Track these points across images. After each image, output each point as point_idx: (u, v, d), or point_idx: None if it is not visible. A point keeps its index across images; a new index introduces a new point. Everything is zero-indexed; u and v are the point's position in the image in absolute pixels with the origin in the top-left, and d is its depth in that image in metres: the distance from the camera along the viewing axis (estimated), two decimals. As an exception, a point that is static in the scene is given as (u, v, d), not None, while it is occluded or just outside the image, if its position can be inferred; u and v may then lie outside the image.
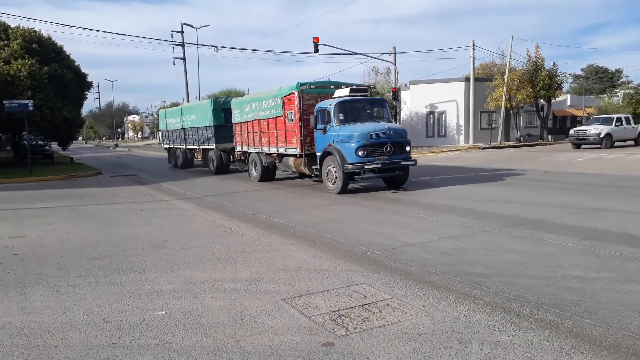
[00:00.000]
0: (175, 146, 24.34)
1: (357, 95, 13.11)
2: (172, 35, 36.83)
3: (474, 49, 33.25)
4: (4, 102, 19.45)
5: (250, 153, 16.66)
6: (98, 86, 69.59)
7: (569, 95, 46.26)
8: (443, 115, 35.99)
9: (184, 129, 22.76)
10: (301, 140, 13.35)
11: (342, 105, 12.54)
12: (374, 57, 32.34)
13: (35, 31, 25.16)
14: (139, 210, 10.86)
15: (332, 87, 14.10)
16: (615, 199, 9.95)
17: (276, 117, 14.44)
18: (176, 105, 43.41)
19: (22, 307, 4.72)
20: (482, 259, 5.83)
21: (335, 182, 12.21)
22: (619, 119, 27.70)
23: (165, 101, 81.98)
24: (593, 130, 26.68)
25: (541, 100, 36.09)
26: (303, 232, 7.78)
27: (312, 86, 13.85)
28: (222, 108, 19.41)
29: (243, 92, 47.88)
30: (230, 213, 9.99)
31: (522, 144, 33.62)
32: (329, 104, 12.64)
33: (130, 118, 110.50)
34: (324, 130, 12.53)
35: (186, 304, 4.63)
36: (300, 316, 4.24)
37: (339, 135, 12.14)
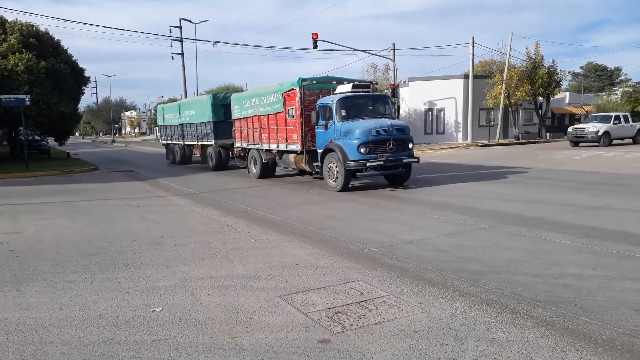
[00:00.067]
0: (174, 142, 24.18)
1: (360, 92, 12.96)
2: (170, 30, 36.76)
3: (473, 46, 33.24)
4: (1, 96, 19.34)
5: (249, 149, 16.54)
6: (95, 81, 69.64)
7: (567, 93, 46.35)
8: (442, 112, 35.97)
9: (182, 124, 22.59)
10: (302, 136, 13.23)
11: (345, 102, 12.40)
12: (373, 54, 32.29)
13: (32, 25, 25.02)
14: (135, 206, 10.84)
15: (334, 82, 13.93)
16: (613, 196, 9.96)
17: (277, 113, 14.31)
18: (174, 100, 43.32)
19: (18, 303, 4.70)
20: (479, 256, 5.83)
21: (336, 180, 12.08)
22: (617, 117, 27.74)
23: (163, 97, 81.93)
24: (591, 128, 26.72)
25: (540, 98, 36.11)
26: (300, 228, 7.77)
27: (313, 82, 13.67)
28: (221, 104, 19.26)
29: (241, 88, 47.80)
30: (227, 209, 9.98)
31: (521, 141, 33.64)
32: (331, 100, 12.50)
33: (127, 113, 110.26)
34: (326, 127, 12.40)
35: (182, 301, 4.63)
36: (297, 313, 4.23)
37: (341, 132, 12.01)
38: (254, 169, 16.27)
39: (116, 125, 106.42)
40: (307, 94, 13.30)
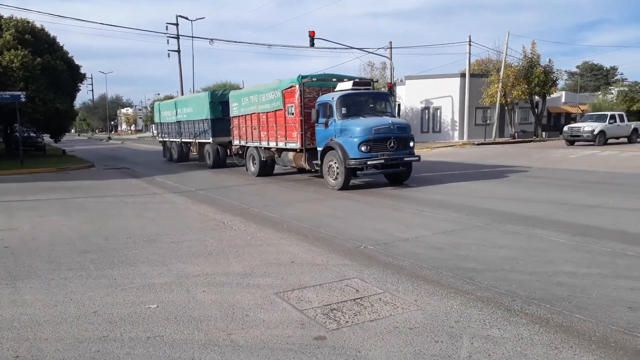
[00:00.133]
0: (171, 139, 24.02)
1: (360, 89, 12.84)
2: (167, 27, 36.62)
3: (470, 45, 33.25)
4: (-4, 93, 19.26)
5: (248, 147, 16.39)
6: (91, 78, 69.31)
7: (563, 92, 46.47)
8: (438, 110, 36.01)
9: (179, 122, 22.43)
10: (302, 134, 13.05)
11: (345, 99, 12.26)
12: (370, 52, 32.28)
13: (28, 22, 24.92)
14: (131, 203, 10.81)
15: (334, 80, 13.76)
16: (608, 195, 10.01)
17: (276, 111, 14.15)
18: (170, 98, 43.21)
19: (13, 300, 4.69)
20: (475, 254, 5.85)
21: (336, 178, 11.95)
22: (612, 117, 27.86)
23: (159, 94, 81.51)
24: (587, 127, 26.82)
25: (536, 97, 36.20)
26: (296, 226, 7.78)
27: (313, 79, 13.53)
28: (219, 101, 19.10)
29: (238, 86, 47.71)
30: (223, 207, 9.97)
31: (517, 140, 33.72)
32: (332, 97, 12.36)
33: (123, 111, 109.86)
34: (326, 125, 12.24)
35: (178, 298, 4.62)
36: (292, 310, 4.24)
37: (342, 130, 11.89)
38: (253, 167, 16.16)
39: (112, 123, 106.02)
40: (306, 92, 13.13)
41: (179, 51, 37.83)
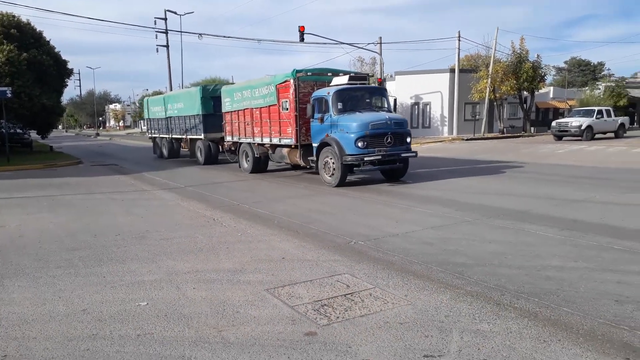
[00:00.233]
0: (161, 135, 23.66)
1: (357, 84, 12.60)
2: (155, 22, 36.33)
3: (459, 41, 33.39)
4: (-19, 89, 18.98)
5: (241, 143, 16.12)
6: (79, 73, 68.62)
7: (551, 88, 46.85)
8: (428, 106, 36.15)
9: (170, 117, 22.09)
10: (296, 130, 12.83)
11: (341, 94, 12.05)
12: (359, 47, 32.39)
13: (14, 16, 24.55)
14: (120, 200, 10.73)
15: (329, 74, 13.54)
16: (595, 190, 10.13)
17: (270, 106, 13.90)
18: (159, 93, 42.88)
19: (0, 299, 4.63)
20: (464, 249, 5.89)
21: (332, 175, 11.76)
22: (599, 112, 28.16)
23: (147, 89, 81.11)
24: (574, 122, 27.09)
25: (524, 92, 36.48)
26: (287, 222, 7.77)
27: (308, 73, 13.24)
28: (211, 96, 18.81)
29: (227, 81, 47.46)
30: (213, 203, 9.93)
31: (505, 135, 33.97)
32: (327, 92, 12.13)
33: (111, 106, 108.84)
34: (322, 120, 12.01)
35: (168, 295, 4.60)
36: (283, 306, 4.24)
37: (338, 125, 11.68)
38: (246, 164, 15.89)
39: (100, 119, 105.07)
40: (301, 86, 12.88)
41: (167, 46, 37.56)
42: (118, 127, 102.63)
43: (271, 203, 9.80)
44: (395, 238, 6.51)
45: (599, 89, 42.89)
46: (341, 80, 12.64)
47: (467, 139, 30.44)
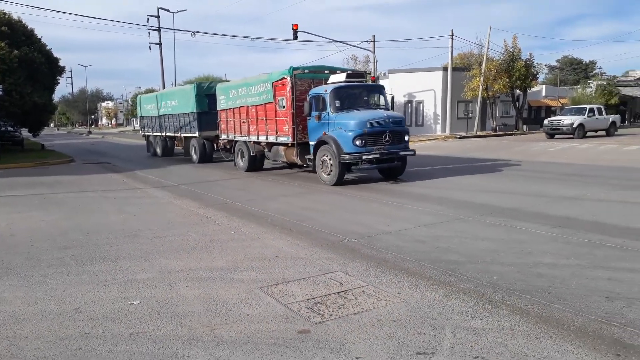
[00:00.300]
0: (155, 134, 23.42)
1: (354, 81, 12.46)
2: (148, 19, 36.09)
3: (452, 39, 33.47)
4: (-29, 86, 18.80)
5: (236, 142, 15.97)
6: (71, 71, 68.10)
7: (544, 86, 47.06)
8: (421, 104, 36.22)
9: (164, 115, 21.86)
10: (293, 128, 12.68)
11: (339, 92, 11.92)
12: (353, 45, 32.31)
13: (5, 13, 24.30)
14: (112, 198, 10.68)
15: (326, 72, 13.38)
16: (586, 187, 10.20)
17: (266, 104, 13.75)
18: (152, 91, 42.67)
19: (-9, 298, 4.60)
20: (457, 246, 5.92)
21: (330, 173, 11.62)
22: (591, 110, 28.33)
23: (140, 87, 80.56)
24: (566, 120, 27.24)
25: (517, 91, 36.63)
26: (280, 220, 7.76)
27: (305, 71, 13.11)
28: (205, 94, 18.59)
29: (221, 79, 47.25)
30: (206, 201, 9.90)
31: (498, 133, 34.11)
32: (325, 89, 12.01)
33: (104, 104, 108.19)
34: (319, 118, 11.91)
35: (161, 293, 4.59)
36: (277, 304, 4.24)
37: (335, 124, 11.56)
38: (241, 162, 15.72)
39: (92, 117, 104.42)
40: (298, 84, 12.72)
41: (160, 44, 37.35)
42: (110, 125, 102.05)
43: (265, 201, 9.78)
44: (389, 236, 6.52)
45: (591, 87, 43.10)
46: (338, 78, 12.52)
47: (460, 137, 30.54)
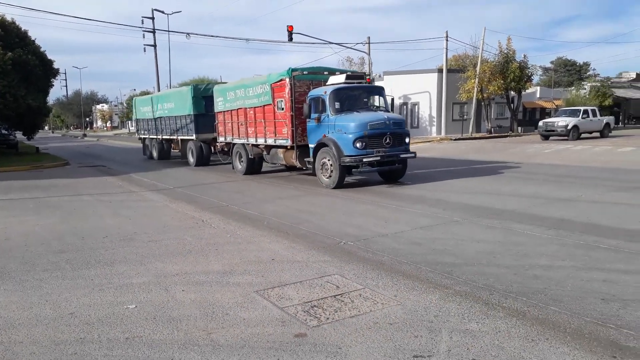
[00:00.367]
0: (151, 136, 23.22)
1: (354, 83, 12.32)
2: (142, 21, 36.01)
3: (447, 41, 33.60)
4: (-35, 89, 18.68)
5: (234, 144, 15.74)
6: (65, 73, 67.75)
7: (538, 88, 47.30)
8: (416, 106, 36.32)
9: (160, 118, 21.66)
10: (292, 130, 12.49)
11: (338, 93, 11.79)
12: (348, 47, 32.38)
13: (-2, 15, 24.19)
14: (107, 201, 10.64)
15: (325, 73, 13.23)
16: (581, 189, 10.24)
17: (264, 106, 13.57)
18: (147, 93, 42.53)
19: (-15, 303, 4.57)
20: (453, 249, 5.93)
21: (330, 176, 11.45)
22: (585, 112, 28.48)
23: (135, 89, 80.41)
24: (561, 122, 27.37)
25: (512, 92, 36.79)
26: (277, 223, 7.75)
27: (304, 72, 12.94)
28: (202, 96, 18.44)
29: (216, 80, 47.21)
30: (202, 205, 9.88)
31: (493, 135, 34.23)
32: (324, 91, 11.83)
33: (99, 107, 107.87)
34: (318, 120, 11.76)
35: (157, 297, 4.57)
36: (273, 308, 4.23)
37: (335, 126, 11.40)
38: (239, 165, 15.51)
39: (87, 119, 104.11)
40: (297, 85, 12.54)
41: (155, 45, 37.28)
42: (105, 128, 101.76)
43: (261, 204, 9.77)
44: (385, 238, 6.53)
45: (585, 89, 43.37)
46: (338, 80, 12.39)
47: (455, 139, 30.62)
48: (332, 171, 11.43)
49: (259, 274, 5.16)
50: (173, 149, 21.89)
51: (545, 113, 43.19)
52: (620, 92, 45.60)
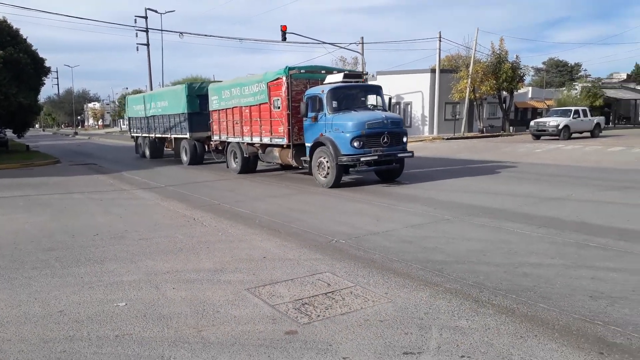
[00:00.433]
0: (144, 135, 23.01)
1: (351, 82, 12.24)
2: (135, 20, 35.93)
3: (440, 41, 33.69)
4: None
5: (229, 143, 15.63)
6: (57, 72, 67.28)
7: (530, 88, 47.56)
8: (409, 106, 36.40)
9: (154, 116, 21.45)
10: (289, 129, 12.39)
11: (336, 92, 11.70)
12: (342, 47, 32.44)
13: (-12, 13, 23.99)
14: (98, 199, 10.57)
15: (323, 72, 13.12)
16: (572, 188, 10.32)
17: (260, 104, 13.47)
18: (139, 92, 42.32)
19: (-27, 301, 4.53)
20: (443, 247, 5.95)
21: (327, 176, 11.39)
22: (576, 112, 28.70)
23: (127, 88, 79.94)
24: (552, 122, 27.55)
25: (504, 92, 36.98)
26: (268, 221, 7.75)
27: (301, 71, 12.83)
28: (196, 94, 18.27)
29: (209, 80, 47.08)
30: (193, 203, 9.85)
31: (485, 135, 34.39)
32: (321, 90, 11.74)
33: (90, 105, 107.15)
34: (315, 119, 11.66)
35: (147, 295, 4.55)
36: (264, 305, 4.23)
37: (332, 125, 11.31)
38: (234, 164, 15.39)
39: (79, 118, 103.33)
40: (294, 84, 12.41)
41: (148, 45, 37.12)
42: (97, 126, 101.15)
43: (253, 202, 9.76)
44: (376, 236, 6.54)
45: (576, 89, 43.69)
46: (335, 78, 12.29)
47: (447, 139, 30.73)
48: (329, 170, 11.37)
49: (250, 272, 5.15)
50: (166, 147, 21.73)
51: (536, 113, 43.43)
52: (610, 93, 45.97)
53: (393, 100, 36.31)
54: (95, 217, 8.51)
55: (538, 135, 28.25)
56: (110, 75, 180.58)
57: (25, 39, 25.80)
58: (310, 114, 11.83)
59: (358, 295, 4.41)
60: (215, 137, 16.65)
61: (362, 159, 10.93)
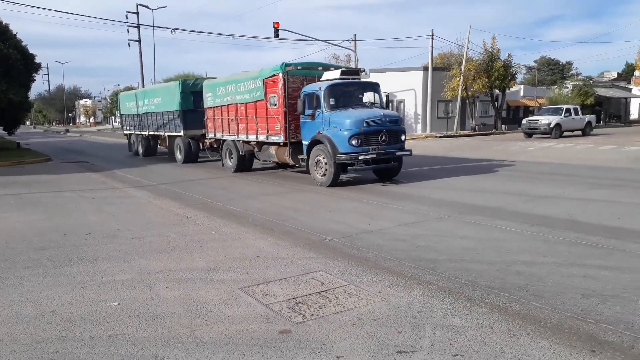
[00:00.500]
0: (137, 132, 22.75)
1: (349, 79, 12.07)
2: (127, 16, 35.66)
3: (432, 39, 33.76)
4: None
5: (224, 141, 15.45)
6: (47, 68, 66.56)
7: (522, 86, 47.78)
8: (401, 104, 36.46)
9: (147, 113, 21.19)
10: (285, 127, 12.23)
11: (333, 89, 11.55)
12: (334, 44, 32.38)
13: (-23, 9, 23.69)
14: (90, 198, 10.51)
15: (320, 69, 12.98)
16: (563, 186, 10.39)
17: (256, 101, 13.26)
18: (131, 89, 42.06)
19: (-36, 301, 4.49)
20: (436, 245, 5.98)
21: (324, 174, 11.25)
22: (568, 110, 28.88)
23: (119, 85, 79.44)
24: (544, 120, 27.72)
25: (496, 91, 37.16)
26: (262, 220, 7.74)
27: (298, 67, 12.58)
28: (191, 91, 18.07)
29: (201, 76, 46.88)
30: (186, 201, 9.82)
31: (477, 133, 34.53)
32: (319, 87, 11.58)
33: (82, 102, 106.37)
34: (313, 117, 11.50)
35: (140, 295, 4.54)
36: (258, 304, 4.23)
37: (330, 122, 11.17)
38: (229, 162, 15.21)
39: (70, 114, 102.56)
40: (290, 81, 12.25)
41: (139, 41, 36.86)
42: (89, 124, 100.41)
43: (246, 201, 9.74)
44: (370, 235, 6.56)
45: (567, 87, 43.90)
46: (332, 75, 12.08)
47: (440, 137, 30.83)
48: (326, 169, 11.24)
49: (243, 271, 5.15)
50: (160, 145, 21.50)
51: (528, 111, 43.67)
52: (601, 91, 46.26)
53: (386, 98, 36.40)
54: (88, 216, 8.46)
55: (530, 133, 28.42)
56: (101, 71, 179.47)
57: (15, 35, 25.51)
58: (308, 112, 11.69)
59: (352, 294, 4.42)
60: (210, 135, 16.46)
61: (360, 158, 10.80)
